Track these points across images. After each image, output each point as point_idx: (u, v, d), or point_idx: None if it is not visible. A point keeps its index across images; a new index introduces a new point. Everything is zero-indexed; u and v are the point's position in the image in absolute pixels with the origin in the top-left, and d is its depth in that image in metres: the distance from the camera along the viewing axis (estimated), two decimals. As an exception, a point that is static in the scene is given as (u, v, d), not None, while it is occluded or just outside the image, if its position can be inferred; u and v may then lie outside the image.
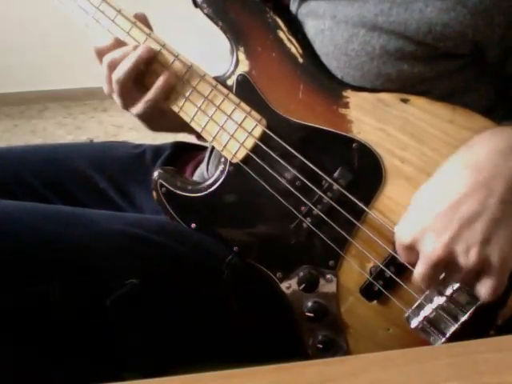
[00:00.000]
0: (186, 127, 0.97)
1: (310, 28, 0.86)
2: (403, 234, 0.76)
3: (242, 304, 0.91)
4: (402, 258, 0.78)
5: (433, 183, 0.76)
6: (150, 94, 0.94)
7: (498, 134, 0.74)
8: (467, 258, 0.71)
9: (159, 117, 0.99)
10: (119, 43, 0.94)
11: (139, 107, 0.96)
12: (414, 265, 0.76)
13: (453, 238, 0.71)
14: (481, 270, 0.72)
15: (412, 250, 0.75)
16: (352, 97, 0.83)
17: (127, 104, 0.97)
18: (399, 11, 0.78)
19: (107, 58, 0.94)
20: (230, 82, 0.90)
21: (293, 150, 0.86)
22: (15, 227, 0.88)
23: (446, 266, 0.73)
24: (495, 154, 0.71)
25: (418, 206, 0.76)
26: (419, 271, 0.75)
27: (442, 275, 0.76)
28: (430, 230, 0.72)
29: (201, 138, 1.11)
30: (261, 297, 0.92)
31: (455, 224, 0.71)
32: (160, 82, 0.92)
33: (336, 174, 0.84)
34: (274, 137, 0.87)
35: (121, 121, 3.60)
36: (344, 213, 0.84)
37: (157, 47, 0.93)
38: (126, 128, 3.52)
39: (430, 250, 0.73)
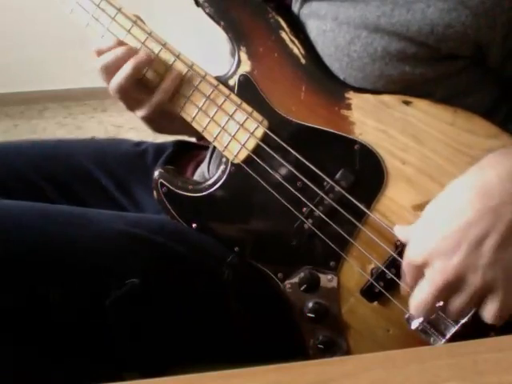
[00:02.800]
0: (189, 129, 0.97)
1: (312, 29, 0.86)
2: (415, 255, 0.74)
3: (242, 304, 0.91)
4: (407, 277, 0.76)
5: (443, 203, 0.74)
6: (157, 97, 0.94)
7: (510, 156, 0.73)
8: (474, 280, 0.70)
9: (164, 118, 0.99)
10: (120, 44, 0.94)
11: (144, 110, 0.96)
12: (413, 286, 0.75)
13: (461, 260, 0.70)
14: (486, 292, 0.71)
15: (420, 271, 0.74)
16: (354, 98, 0.83)
17: (131, 106, 0.97)
18: (401, 12, 0.78)
19: (100, 62, 0.93)
20: (231, 82, 0.90)
21: (294, 151, 0.86)
22: (15, 227, 0.87)
23: (450, 291, 0.72)
24: (506, 180, 0.70)
25: (428, 225, 0.74)
26: (423, 294, 0.73)
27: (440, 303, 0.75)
28: (440, 251, 0.71)
29: (202, 139, 1.11)
30: (261, 297, 0.92)
31: (464, 248, 0.70)
32: (166, 84, 0.92)
33: (337, 176, 0.84)
34: (276, 138, 0.87)
35: (121, 121, 3.60)
36: (345, 214, 0.84)
37: (157, 47, 0.93)
38: (126, 128, 3.52)
39: (439, 272, 0.71)
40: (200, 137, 1.10)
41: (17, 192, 1.07)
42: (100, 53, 0.95)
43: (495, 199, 0.70)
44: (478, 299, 0.72)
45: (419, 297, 0.74)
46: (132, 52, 0.93)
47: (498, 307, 0.72)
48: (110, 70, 0.93)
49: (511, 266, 0.70)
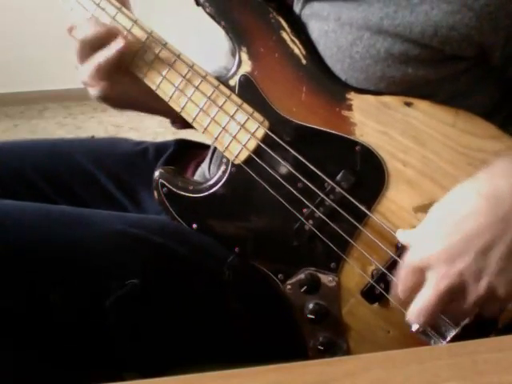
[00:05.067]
0: (153, 107, 0.99)
1: (314, 29, 0.86)
2: (415, 257, 0.74)
3: (242, 305, 0.91)
4: (405, 281, 0.76)
5: (450, 207, 0.74)
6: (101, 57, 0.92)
7: None
8: (477, 287, 0.70)
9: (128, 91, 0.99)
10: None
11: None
12: (409, 290, 0.75)
13: (466, 267, 0.70)
14: (488, 299, 0.72)
15: (419, 275, 0.73)
16: (355, 99, 0.83)
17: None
18: (404, 14, 0.78)
19: (83, 33, 0.93)
20: (232, 83, 0.90)
21: (295, 152, 0.86)
22: (15, 227, 0.87)
23: (452, 296, 0.72)
24: None
25: (432, 229, 0.74)
26: (426, 299, 0.73)
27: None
28: (444, 257, 0.71)
29: (176, 123, 1.12)
30: (261, 298, 0.92)
31: (470, 254, 0.70)
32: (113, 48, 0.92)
33: (338, 177, 0.84)
34: (276, 138, 0.87)
35: (121, 121, 3.60)
36: (346, 215, 0.84)
37: (158, 46, 0.93)
38: (126, 128, 3.52)
39: (442, 277, 0.71)
40: (174, 119, 1.12)
41: (16, 191, 1.07)
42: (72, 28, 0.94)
43: (505, 208, 0.70)
44: (480, 305, 0.73)
45: (421, 303, 0.73)
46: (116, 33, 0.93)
47: (494, 311, 0.73)
48: (91, 45, 0.93)
49: None
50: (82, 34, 0.93)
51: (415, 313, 0.74)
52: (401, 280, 0.76)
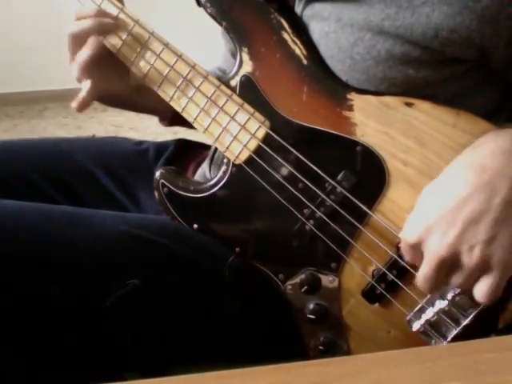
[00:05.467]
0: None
1: (315, 30, 0.86)
2: (409, 234, 0.76)
3: (243, 305, 0.91)
4: (406, 257, 0.78)
5: (438, 184, 0.76)
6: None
7: (503, 134, 0.75)
8: (470, 256, 0.71)
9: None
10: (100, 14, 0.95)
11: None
12: (416, 268, 0.76)
13: (457, 237, 0.71)
14: (483, 269, 0.72)
15: (417, 250, 0.75)
16: (356, 99, 0.83)
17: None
18: (405, 16, 0.78)
19: (76, 27, 0.94)
20: (233, 83, 0.90)
21: (296, 152, 0.86)
22: (16, 227, 0.88)
23: (449, 267, 0.73)
24: (500, 154, 0.72)
25: (423, 206, 0.76)
26: (423, 272, 0.74)
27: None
28: (435, 229, 0.73)
29: (163, 120, 1.14)
30: (262, 298, 0.92)
31: (459, 223, 0.71)
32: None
33: (339, 177, 0.84)
34: (277, 138, 0.87)
35: (121, 121, 3.60)
36: (347, 216, 0.84)
37: (160, 47, 0.93)
38: (126, 128, 3.52)
39: (435, 250, 0.73)
40: (163, 117, 1.13)
41: (17, 191, 1.07)
42: (79, 18, 0.95)
43: (489, 174, 0.71)
44: (476, 276, 0.73)
45: (420, 274, 0.75)
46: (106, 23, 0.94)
47: (493, 283, 0.73)
48: (80, 38, 0.95)
49: (508, 241, 0.71)
50: (71, 28, 0.94)
51: (419, 284, 0.76)
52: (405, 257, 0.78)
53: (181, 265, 0.91)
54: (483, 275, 0.73)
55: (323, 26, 0.84)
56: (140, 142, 1.22)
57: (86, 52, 0.95)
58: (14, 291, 0.84)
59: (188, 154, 1.17)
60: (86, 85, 0.96)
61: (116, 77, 0.99)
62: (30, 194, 1.06)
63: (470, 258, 0.71)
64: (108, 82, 0.98)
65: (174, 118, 1.11)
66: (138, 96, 1.04)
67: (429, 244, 0.73)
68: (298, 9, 0.89)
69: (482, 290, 0.73)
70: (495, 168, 0.71)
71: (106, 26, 0.94)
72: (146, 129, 3.25)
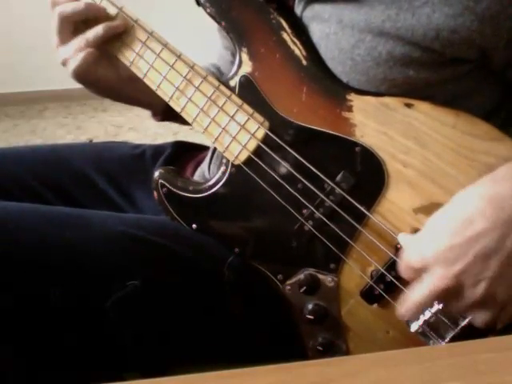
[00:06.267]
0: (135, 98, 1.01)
1: (315, 32, 0.86)
2: (414, 257, 0.74)
3: (242, 305, 0.91)
4: (403, 276, 0.76)
5: (452, 210, 0.73)
6: (88, 35, 0.94)
7: None
8: (474, 291, 0.70)
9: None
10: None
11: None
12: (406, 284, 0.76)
13: (464, 269, 0.70)
14: (484, 304, 0.72)
15: (418, 273, 0.74)
16: (356, 100, 0.83)
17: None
18: (406, 17, 0.78)
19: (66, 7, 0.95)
20: (232, 83, 0.90)
21: (295, 153, 0.86)
22: (15, 228, 0.88)
23: (448, 296, 0.72)
24: None
25: (434, 230, 0.74)
26: (420, 295, 0.73)
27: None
28: (443, 258, 0.71)
29: (156, 115, 1.14)
30: (262, 298, 0.92)
31: (470, 257, 0.70)
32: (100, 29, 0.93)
33: (338, 178, 0.84)
34: (277, 139, 0.87)
35: (121, 121, 3.60)
36: (346, 216, 0.84)
37: (159, 46, 0.93)
38: (126, 128, 3.52)
39: (439, 278, 0.71)
40: (155, 112, 1.13)
41: (16, 197, 1.06)
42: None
43: (508, 211, 0.69)
44: (475, 308, 0.73)
45: (415, 297, 0.74)
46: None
47: (492, 318, 0.73)
48: (72, 20, 0.95)
49: None
50: (61, 9, 0.94)
51: (404, 307, 0.75)
52: (401, 275, 0.77)
53: (180, 265, 0.91)
54: (485, 307, 0.72)
55: (323, 27, 0.84)
56: (137, 146, 1.22)
57: (99, 30, 0.94)
58: (14, 292, 0.84)
59: (185, 156, 1.17)
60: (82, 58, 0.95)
61: (106, 64, 0.99)
62: (29, 199, 1.06)
63: (473, 293, 0.71)
64: (98, 68, 0.98)
65: (166, 114, 1.11)
66: (129, 87, 1.03)
67: (433, 271, 0.72)
68: (297, 10, 0.89)
69: (481, 320, 0.73)
70: None
71: (96, 11, 0.94)
72: (146, 129, 3.25)
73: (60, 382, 0.88)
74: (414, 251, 0.75)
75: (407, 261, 0.75)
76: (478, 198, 0.71)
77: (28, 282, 0.85)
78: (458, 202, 0.73)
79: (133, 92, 1.04)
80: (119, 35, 0.95)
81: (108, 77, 1.00)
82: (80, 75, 0.97)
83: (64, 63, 0.97)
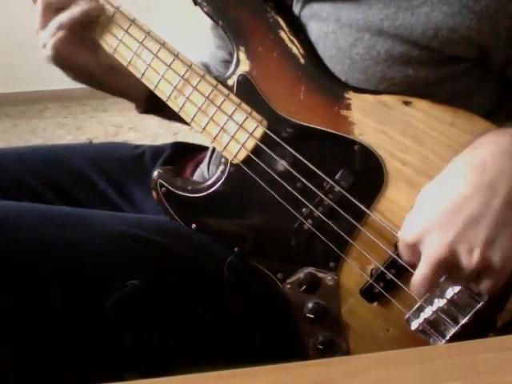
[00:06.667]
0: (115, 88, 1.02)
1: (313, 30, 0.86)
2: (407, 233, 0.75)
3: (242, 305, 0.91)
4: (404, 257, 0.78)
5: (437, 183, 0.75)
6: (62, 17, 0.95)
7: (502, 134, 0.74)
8: (470, 258, 0.71)
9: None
10: None
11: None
12: (414, 267, 0.76)
13: (456, 237, 0.71)
14: (483, 269, 0.72)
15: (415, 249, 0.75)
16: (354, 98, 0.83)
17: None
18: (405, 15, 0.78)
19: None
20: (230, 82, 0.90)
21: (294, 152, 0.86)
22: (15, 228, 0.88)
23: (447, 267, 0.73)
24: (499, 155, 0.72)
25: (421, 205, 0.76)
26: (421, 271, 0.74)
27: (442, 278, 0.76)
28: (434, 229, 0.72)
29: (139, 107, 1.14)
30: (261, 298, 0.92)
31: (459, 223, 0.71)
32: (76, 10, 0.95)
33: (337, 176, 0.84)
34: (275, 138, 0.87)
35: (121, 121, 3.60)
36: (345, 215, 0.84)
37: (156, 46, 0.93)
38: (126, 128, 3.52)
39: (434, 250, 0.72)
40: (139, 104, 1.13)
41: (15, 197, 1.06)
42: None
43: (489, 174, 0.71)
44: (475, 275, 0.73)
45: (418, 273, 0.74)
46: None
47: (493, 283, 0.73)
48: (53, 6, 0.96)
49: (507, 242, 0.70)
50: None
51: (414, 286, 0.75)
52: (403, 257, 0.78)
53: (180, 265, 0.91)
54: (484, 274, 0.73)
55: (322, 26, 0.84)
56: (137, 146, 1.22)
57: (75, 11, 0.95)
58: (13, 291, 0.84)
59: (185, 156, 1.17)
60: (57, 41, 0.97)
61: (86, 51, 1.00)
62: (29, 199, 1.06)
63: (469, 259, 0.71)
64: (79, 55, 0.99)
65: (148, 106, 1.12)
66: (110, 76, 1.04)
67: (427, 244, 0.73)
68: (295, 9, 0.88)
69: (483, 288, 0.74)
70: (495, 168, 0.71)
71: None
72: (146, 129, 3.25)
73: (60, 382, 0.88)
74: (406, 228, 0.76)
75: (402, 239, 0.76)
76: (459, 166, 0.73)
77: (28, 281, 0.85)
78: (441, 175, 0.75)
79: (113, 81, 1.05)
80: (101, 22, 0.96)
81: (88, 64, 1.01)
82: (56, 59, 0.98)
83: (43, 47, 0.98)
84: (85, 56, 1.00)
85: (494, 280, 0.72)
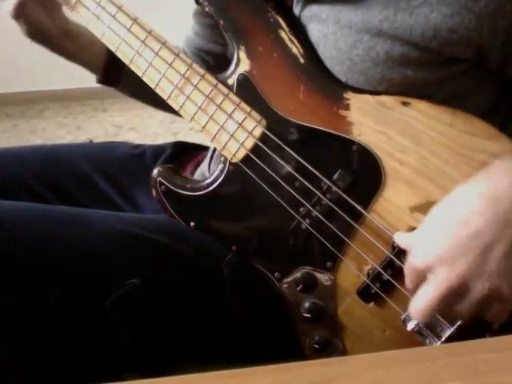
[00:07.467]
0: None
1: (313, 32, 0.86)
2: (418, 259, 0.74)
3: (241, 303, 0.91)
4: (408, 279, 0.76)
5: (450, 208, 0.73)
6: None
7: None
8: (479, 287, 0.70)
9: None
10: None
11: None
12: (413, 289, 0.75)
13: (466, 268, 0.70)
14: (491, 299, 0.71)
15: (422, 275, 0.73)
16: (353, 98, 0.83)
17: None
18: (404, 17, 0.78)
19: None
20: (230, 82, 0.90)
21: (292, 151, 0.86)
22: (15, 227, 0.88)
23: (454, 297, 0.72)
24: None
25: (433, 230, 0.74)
26: (427, 299, 0.72)
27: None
28: (446, 260, 0.71)
29: (99, 79, 1.15)
30: (262, 297, 0.92)
31: (470, 255, 0.70)
32: None
33: (335, 176, 0.84)
34: (274, 137, 0.87)
35: (121, 121, 3.60)
36: (343, 215, 0.84)
37: (157, 45, 0.93)
38: (126, 128, 3.51)
39: (443, 280, 0.71)
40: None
41: (15, 196, 1.06)
42: None
43: (504, 207, 0.69)
44: (483, 305, 0.72)
45: (422, 301, 0.73)
46: None
47: (502, 311, 0.72)
48: None
49: None
50: None
51: (415, 310, 0.74)
52: (406, 282, 0.77)
53: (180, 263, 0.92)
54: (492, 303, 0.72)
55: (321, 27, 0.84)
56: (137, 146, 1.22)
57: None
58: (13, 291, 0.84)
59: (185, 156, 1.17)
60: None
61: (44, 12, 1.02)
62: (28, 199, 1.06)
63: (478, 290, 0.70)
64: (35, 16, 1.01)
65: (106, 77, 1.13)
66: (66, 40, 1.06)
67: (437, 273, 0.71)
68: (296, 10, 0.89)
69: (492, 316, 0.73)
70: (510, 202, 0.70)
71: None
72: (146, 129, 3.24)
73: (60, 382, 0.88)
74: (417, 253, 0.74)
75: (412, 263, 0.75)
76: (475, 195, 0.71)
77: (27, 281, 0.85)
78: (454, 199, 0.73)
79: (69, 45, 1.07)
80: None
81: (44, 27, 1.03)
82: (16, 15, 1.01)
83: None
84: (42, 17, 1.02)
85: (503, 307, 0.72)
